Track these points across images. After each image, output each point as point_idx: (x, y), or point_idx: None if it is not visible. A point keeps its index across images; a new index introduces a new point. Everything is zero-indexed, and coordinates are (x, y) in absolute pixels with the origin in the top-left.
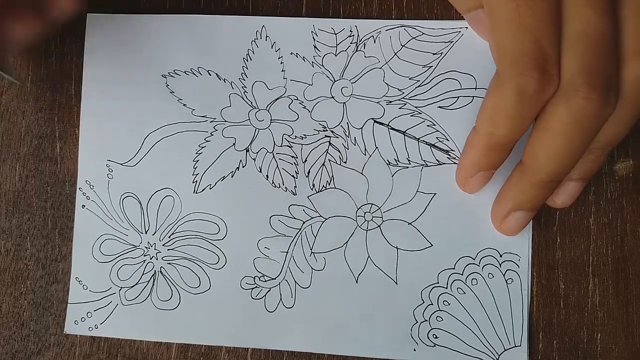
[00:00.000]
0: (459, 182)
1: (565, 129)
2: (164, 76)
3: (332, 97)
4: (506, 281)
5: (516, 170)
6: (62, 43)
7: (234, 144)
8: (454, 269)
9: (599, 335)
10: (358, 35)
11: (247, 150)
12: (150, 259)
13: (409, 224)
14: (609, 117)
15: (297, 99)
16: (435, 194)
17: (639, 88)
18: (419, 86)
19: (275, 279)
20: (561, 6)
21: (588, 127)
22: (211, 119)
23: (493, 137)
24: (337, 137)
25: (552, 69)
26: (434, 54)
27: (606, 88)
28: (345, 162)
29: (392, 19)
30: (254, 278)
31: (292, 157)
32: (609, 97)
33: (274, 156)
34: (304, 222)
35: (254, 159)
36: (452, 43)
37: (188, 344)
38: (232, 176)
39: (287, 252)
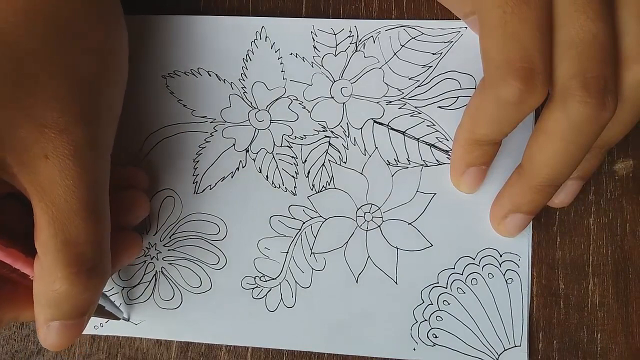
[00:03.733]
0: (452, 180)
1: (563, 134)
2: (164, 77)
3: (332, 97)
4: (506, 281)
5: (515, 173)
6: None
7: (234, 144)
8: (453, 268)
9: (599, 335)
10: (357, 36)
11: (247, 151)
12: (152, 259)
13: (409, 224)
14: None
15: (297, 99)
16: (435, 194)
17: None
18: (418, 86)
19: (275, 278)
20: (552, 13)
21: (587, 132)
22: (211, 120)
23: (473, 135)
24: (337, 137)
25: (537, 78)
26: (433, 54)
27: (603, 91)
28: (345, 162)
29: (392, 19)
30: (255, 278)
31: (292, 157)
32: (607, 101)
33: (273, 156)
34: (304, 223)
35: (254, 160)
36: (452, 43)
37: (188, 344)
38: (232, 177)
39: (287, 252)
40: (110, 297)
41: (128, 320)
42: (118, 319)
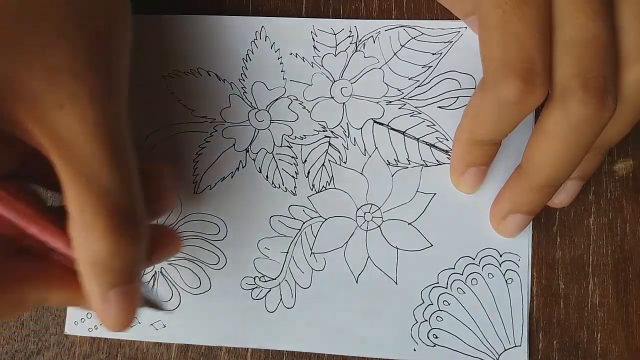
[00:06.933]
0: (452, 180)
1: (563, 134)
2: (164, 77)
3: (332, 98)
4: (506, 281)
5: (515, 173)
6: None
7: (234, 144)
8: (454, 269)
9: (599, 335)
10: (357, 36)
11: (247, 151)
12: None
13: (409, 224)
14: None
15: (297, 99)
16: (435, 194)
17: None
18: (418, 86)
19: (275, 279)
20: (552, 13)
21: (587, 132)
22: (211, 120)
23: (474, 135)
24: (337, 137)
25: (537, 78)
26: (433, 54)
27: (603, 91)
28: (345, 162)
29: (392, 19)
30: (254, 278)
31: (292, 157)
32: (607, 101)
33: (273, 156)
34: (304, 223)
35: (254, 160)
36: (452, 43)
37: (188, 344)
38: (232, 177)
39: (287, 253)
40: (151, 287)
41: (172, 311)
42: (162, 309)
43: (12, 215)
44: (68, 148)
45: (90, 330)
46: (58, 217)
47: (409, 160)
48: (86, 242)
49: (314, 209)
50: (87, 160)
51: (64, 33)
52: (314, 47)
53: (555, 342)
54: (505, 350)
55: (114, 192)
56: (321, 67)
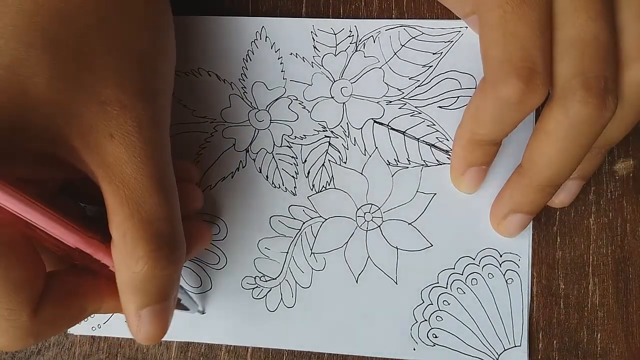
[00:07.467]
0: (453, 180)
1: (564, 134)
2: None
3: (332, 97)
4: (506, 281)
5: (515, 173)
6: None
7: (234, 144)
8: (453, 269)
9: (599, 335)
10: (358, 35)
11: (247, 151)
12: None
13: (409, 224)
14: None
15: (297, 99)
16: (435, 194)
17: None
18: (418, 86)
19: (275, 278)
20: (552, 13)
21: (587, 132)
22: (211, 120)
23: (475, 135)
24: (337, 137)
25: (537, 77)
26: (433, 53)
27: (604, 91)
28: (345, 163)
29: (392, 19)
30: (255, 278)
31: (292, 157)
32: (608, 101)
33: (273, 156)
34: (303, 223)
35: (254, 160)
36: (452, 43)
37: (188, 344)
38: (232, 177)
39: (287, 253)
40: (187, 290)
41: (203, 313)
42: (194, 311)
43: (65, 236)
44: (116, 176)
45: (93, 329)
46: (99, 229)
47: (409, 160)
48: (125, 265)
49: (314, 209)
50: (133, 188)
51: (115, 68)
52: (314, 47)
53: (555, 342)
54: (505, 350)
55: (155, 220)
56: (321, 67)
